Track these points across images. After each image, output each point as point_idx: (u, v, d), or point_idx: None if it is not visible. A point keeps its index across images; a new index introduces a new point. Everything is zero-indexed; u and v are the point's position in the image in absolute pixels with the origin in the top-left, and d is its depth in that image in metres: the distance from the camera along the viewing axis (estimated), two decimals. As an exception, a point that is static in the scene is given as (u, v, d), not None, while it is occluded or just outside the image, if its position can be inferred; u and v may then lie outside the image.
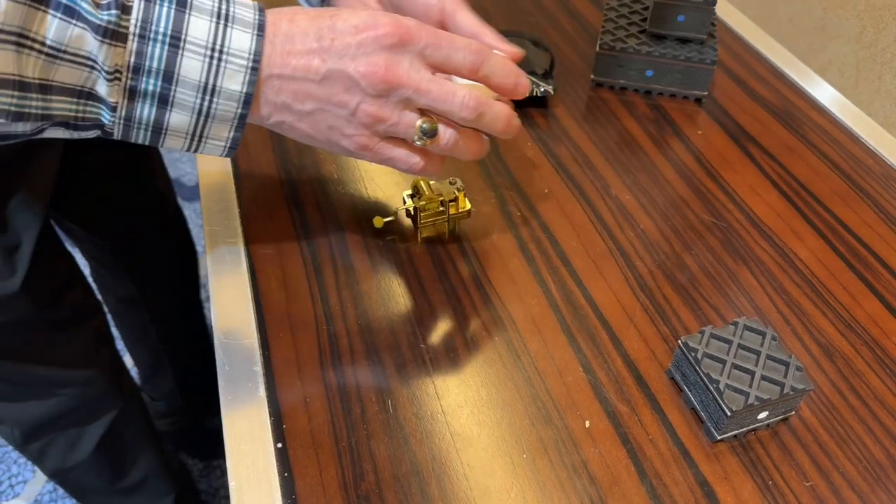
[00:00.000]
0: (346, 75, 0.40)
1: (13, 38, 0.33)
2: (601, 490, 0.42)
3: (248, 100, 0.40)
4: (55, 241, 0.75)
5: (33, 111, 0.36)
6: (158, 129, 0.40)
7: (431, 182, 0.56)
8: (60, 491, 1.28)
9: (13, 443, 0.84)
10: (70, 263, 0.78)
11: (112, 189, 0.90)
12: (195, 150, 0.41)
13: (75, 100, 0.37)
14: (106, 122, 0.39)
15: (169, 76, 0.38)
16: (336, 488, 0.41)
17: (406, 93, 0.41)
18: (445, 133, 0.44)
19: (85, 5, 0.35)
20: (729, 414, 0.42)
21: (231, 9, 0.39)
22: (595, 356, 0.49)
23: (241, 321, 0.50)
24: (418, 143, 0.44)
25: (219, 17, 0.38)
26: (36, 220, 0.68)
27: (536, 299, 0.52)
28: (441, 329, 0.50)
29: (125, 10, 0.36)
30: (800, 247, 0.57)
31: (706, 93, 0.70)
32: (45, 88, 0.35)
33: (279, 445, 0.43)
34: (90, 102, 0.38)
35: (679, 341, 0.46)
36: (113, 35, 0.36)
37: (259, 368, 0.47)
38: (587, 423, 0.45)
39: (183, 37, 0.37)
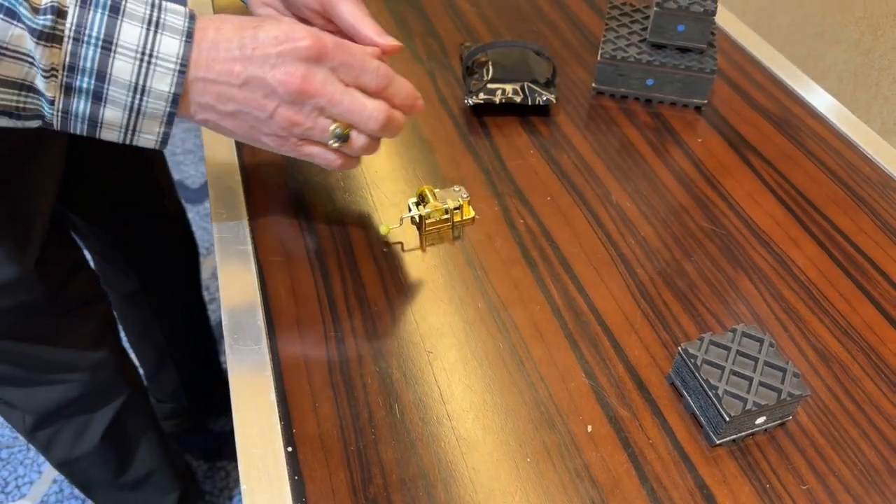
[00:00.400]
0: (265, 82, 0.44)
1: None
2: (603, 493, 0.43)
3: (176, 99, 0.43)
4: (63, 228, 0.77)
5: None
6: (94, 122, 0.43)
7: (436, 190, 0.58)
8: (66, 492, 1.29)
9: (23, 431, 0.86)
10: (76, 251, 0.80)
11: (111, 181, 0.91)
12: (129, 142, 0.45)
13: (17, 91, 0.40)
14: (46, 114, 0.42)
15: (101, 76, 0.41)
16: (345, 491, 0.43)
17: (320, 102, 0.45)
18: (358, 138, 0.48)
19: (24, 10, 0.38)
20: (727, 419, 0.43)
21: (162, 16, 0.42)
22: (597, 362, 0.50)
23: (251, 326, 0.51)
24: (333, 145, 0.48)
25: (149, 23, 0.42)
26: (47, 206, 0.70)
27: (539, 305, 0.53)
28: (446, 334, 0.51)
29: (61, 14, 0.39)
30: (797, 254, 0.58)
31: (706, 101, 0.71)
32: None
33: (289, 449, 0.45)
34: (31, 94, 0.41)
35: (679, 348, 0.47)
36: (48, 38, 0.39)
37: (269, 373, 0.48)
38: (589, 428, 0.46)
39: (115, 41, 0.41)
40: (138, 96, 0.42)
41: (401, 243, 0.57)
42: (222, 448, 1.35)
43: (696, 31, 0.69)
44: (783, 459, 0.45)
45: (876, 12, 0.93)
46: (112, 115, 0.42)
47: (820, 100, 0.74)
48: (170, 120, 0.44)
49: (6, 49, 0.39)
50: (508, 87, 0.69)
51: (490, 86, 0.69)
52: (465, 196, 0.57)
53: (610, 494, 0.43)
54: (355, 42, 0.52)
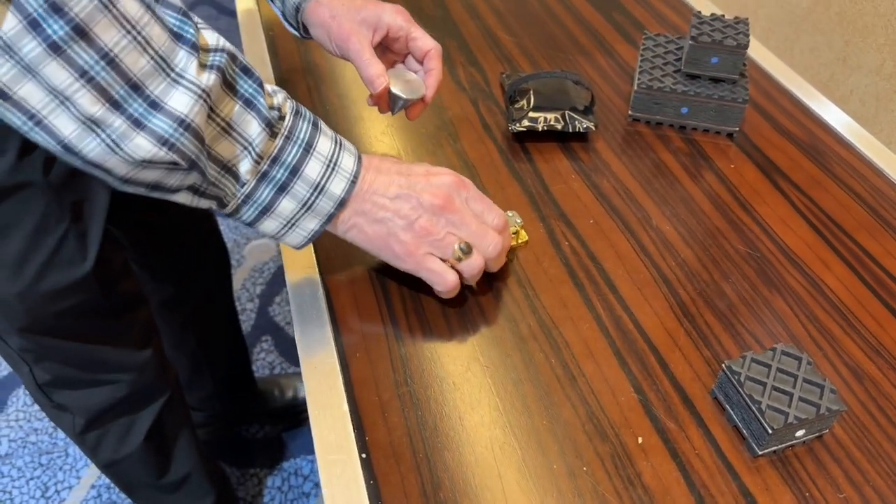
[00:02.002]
0: (414, 197, 0.53)
1: (210, 105, 0.45)
2: (654, 500, 0.47)
3: (342, 203, 0.52)
4: (110, 233, 0.81)
5: (202, 165, 0.46)
6: (266, 210, 0.50)
7: None
8: (105, 497, 1.34)
9: (73, 433, 0.90)
10: (122, 254, 0.84)
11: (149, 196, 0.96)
12: (281, 236, 0.53)
13: (218, 169, 0.47)
14: (231, 193, 0.49)
15: (295, 171, 0.50)
16: (417, 495, 0.46)
17: (454, 219, 0.54)
18: (476, 258, 0.55)
19: (261, 102, 0.47)
20: (770, 432, 0.47)
21: (343, 141, 0.53)
22: (644, 378, 0.53)
23: (322, 342, 0.55)
24: (454, 256, 0.55)
25: (336, 142, 0.53)
26: (102, 208, 0.74)
27: (588, 324, 0.57)
28: (501, 351, 0.55)
29: (282, 117, 0.50)
30: (829, 276, 0.62)
31: (738, 128, 0.75)
32: (209, 152, 0.46)
33: (363, 456, 0.48)
34: (227, 176, 0.48)
35: (723, 365, 0.51)
36: (271, 131, 0.48)
37: (341, 386, 0.52)
38: (640, 439, 0.50)
39: (314, 146, 0.51)
40: (315, 193, 0.51)
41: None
42: (255, 455, 1.39)
43: (729, 63, 0.73)
44: (821, 469, 0.49)
45: (897, 40, 0.96)
46: (286, 205, 0.51)
47: (846, 127, 0.77)
48: (328, 220, 0.53)
49: (234, 130, 0.46)
50: (550, 115, 0.73)
51: (532, 114, 0.74)
52: (518, 221, 0.61)
53: (661, 501, 0.47)
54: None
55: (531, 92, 0.76)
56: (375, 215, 0.53)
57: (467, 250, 0.54)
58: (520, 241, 0.61)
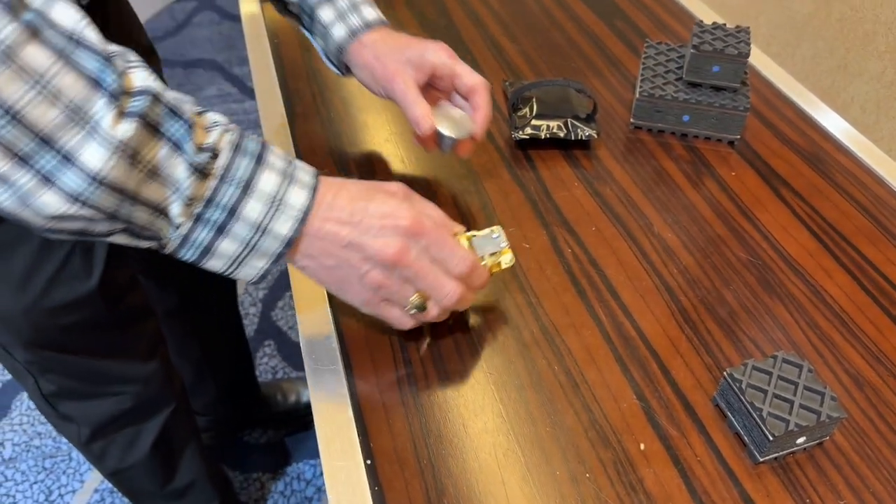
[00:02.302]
0: (365, 248, 0.49)
1: (130, 154, 0.42)
2: (657, 506, 0.47)
3: (290, 242, 0.48)
4: (118, 249, 0.82)
5: (124, 215, 0.44)
6: (207, 250, 0.47)
7: (476, 235, 0.56)
8: (108, 501, 1.34)
9: (78, 443, 0.91)
10: (128, 269, 0.85)
11: None
12: (230, 273, 0.49)
13: (150, 212, 0.45)
14: (165, 237, 0.46)
15: (233, 212, 0.46)
16: (422, 501, 0.47)
17: (408, 273, 0.50)
18: (433, 310, 0.53)
19: (189, 147, 0.44)
20: (771, 439, 0.47)
21: (295, 172, 0.49)
22: (647, 384, 0.54)
23: (327, 348, 0.56)
24: (408, 309, 0.52)
25: (285, 176, 0.48)
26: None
27: (590, 331, 0.58)
28: (504, 357, 0.56)
29: (216, 156, 0.45)
30: (830, 284, 0.62)
31: (739, 136, 0.76)
32: (134, 198, 0.43)
33: (368, 462, 0.49)
34: (161, 217, 0.45)
35: (724, 372, 0.51)
36: (201, 173, 0.44)
37: (345, 392, 0.53)
38: (642, 446, 0.50)
39: (254, 185, 0.46)
40: (258, 234, 0.47)
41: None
42: (257, 460, 1.39)
43: (730, 72, 0.73)
44: (821, 476, 0.49)
45: (898, 47, 0.97)
46: (228, 246, 0.47)
47: (847, 134, 0.78)
48: (277, 259, 0.49)
49: (161, 174, 0.44)
50: (553, 123, 0.74)
51: (535, 122, 0.74)
52: (503, 244, 0.56)
53: (663, 507, 0.47)
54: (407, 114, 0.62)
55: (534, 100, 0.76)
56: (325, 262, 0.50)
57: (422, 306, 0.52)
58: (503, 267, 0.56)
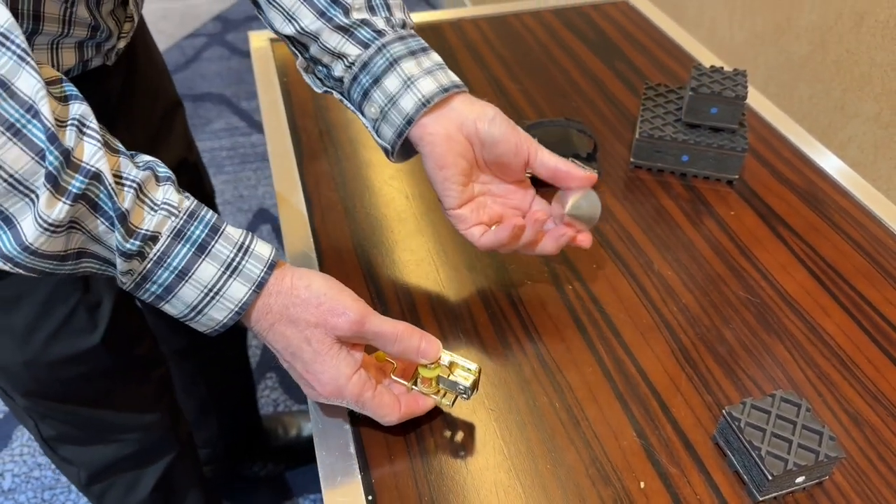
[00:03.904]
0: (302, 379, 0.51)
1: (64, 229, 0.43)
2: (657, 545, 0.47)
3: (226, 326, 0.49)
4: (129, 297, 0.82)
5: (67, 270, 0.46)
6: (158, 301, 0.48)
7: (452, 364, 0.53)
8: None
9: (78, 484, 0.90)
10: (140, 318, 0.85)
11: None
12: (184, 321, 0.50)
13: (99, 263, 0.47)
14: (120, 283, 0.48)
15: (170, 290, 0.47)
16: (422, 538, 0.47)
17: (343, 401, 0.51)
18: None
19: (119, 235, 0.44)
20: (770, 478, 0.48)
21: (243, 262, 0.48)
22: (647, 422, 0.54)
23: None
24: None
25: (227, 267, 0.47)
26: (114, 279, 0.75)
27: (591, 367, 0.58)
28: (508, 394, 0.56)
29: (154, 240, 0.46)
30: (828, 322, 0.63)
31: (737, 176, 0.77)
32: (80, 255, 0.46)
33: (370, 498, 0.49)
34: (111, 268, 0.47)
35: (723, 411, 0.52)
36: (130, 257, 0.45)
37: (348, 427, 0.53)
38: (642, 484, 0.50)
39: (190, 274, 0.47)
40: (194, 313, 0.48)
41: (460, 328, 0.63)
42: (257, 494, 1.38)
43: (728, 114, 0.75)
44: (822, 517, 0.49)
45: (894, 89, 0.99)
46: (172, 309, 0.49)
47: (844, 174, 0.79)
48: (221, 329, 0.49)
49: (101, 242, 0.45)
50: (554, 162, 0.75)
51: (537, 160, 0.76)
52: (463, 393, 0.52)
53: (663, 546, 0.47)
54: (562, 182, 0.59)
55: (536, 139, 0.78)
56: (281, 355, 0.51)
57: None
58: (445, 403, 0.54)
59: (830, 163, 0.81)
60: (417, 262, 0.68)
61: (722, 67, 0.78)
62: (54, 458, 0.87)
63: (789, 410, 0.51)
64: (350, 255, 0.68)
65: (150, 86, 0.79)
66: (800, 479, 0.49)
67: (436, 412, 0.55)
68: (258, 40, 1.01)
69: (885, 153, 1.01)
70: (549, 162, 0.59)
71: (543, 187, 0.62)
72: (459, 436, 0.53)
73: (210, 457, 1.33)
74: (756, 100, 0.92)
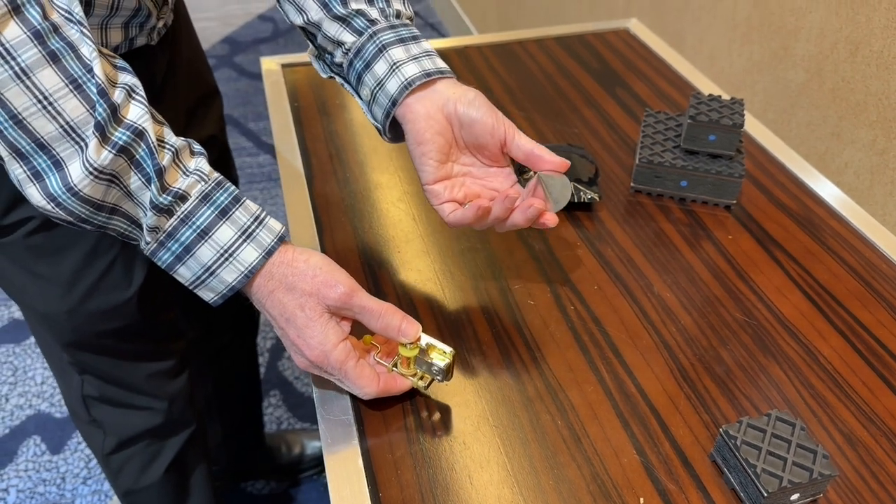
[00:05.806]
0: (293, 345, 0.55)
1: (106, 177, 0.49)
2: (656, 559, 0.49)
3: (235, 289, 0.54)
4: (154, 271, 0.86)
5: (99, 222, 0.52)
6: (170, 268, 0.54)
7: (429, 346, 0.57)
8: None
9: (101, 453, 0.94)
10: (164, 292, 0.88)
11: None
12: (193, 287, 0.55)
13: (128, 223, 0.53)
14: (141, 245, 0.54)
15: (188, 250, 0.53)
16: (428, 550, 0.49)
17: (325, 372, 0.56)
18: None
19: (154, 187, 0.50)
20: (765, 495, 0.49)
21: (257, 230, 0.54)
22: (646, 440, 0.56)
23: (338, 399, 0.58)
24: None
25: (243, 233, 0.53)
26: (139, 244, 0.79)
27: (592, 387, 0.60)
28: (512, 412, 0.58)
29: (183, 199, 0.52)
30: (823, 345, 0.64)
31: (735, 201, 0.79)
32: (114, 211, 0.51)
33: (377, 511, 0.51)
34: (137, 229, 0.53)
35: (720, 429, 0.53)
36: (165, 211, 0.51)
37: (356, 443, 0.55)
38: (641, 500, 0.52)
39: (210, 234, 0.52)
40: (207, 274, 0.53)
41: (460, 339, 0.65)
42: (260, 512, 1.39)
43: (726, 141, 0.77)
44: (816, 534, 0.51)
45: (888, 117, 1.01)
46: (184, 272, 0.54)
47: (839, 200, 0.81)
48: (226, 294, 0.54)
49: (135, 198, 0.51)
50: (557, 186, 0.78)
51: (540, 184, 0.78)
52: (437, 376, 0.56)
53: (662, 561, 0.49)
54: (536, 164, 0.61)
55: (539, 164, 0.80)
56: (271, 313, 0.55)
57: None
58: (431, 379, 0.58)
59: (826, 188, 0.83)
60: (424, 282, 0.70)
61: (720, 96, 0.81)
62: (84, 423, 0.91)
63: (784, 429, 0.53)
64: (358, 274, 0.70)
65: (192, 70, 0.85)
66: (795, 497, 0.51)
67: (444, 427, 0.56)
68: (270, 64, 1.04)
69: (881, 178, 1.04)
70: (524, 145, 0.62)
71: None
72: (465, 452, 0.55)
73: (213, 472, 1.34)
74: (754, 126, 0.94)
